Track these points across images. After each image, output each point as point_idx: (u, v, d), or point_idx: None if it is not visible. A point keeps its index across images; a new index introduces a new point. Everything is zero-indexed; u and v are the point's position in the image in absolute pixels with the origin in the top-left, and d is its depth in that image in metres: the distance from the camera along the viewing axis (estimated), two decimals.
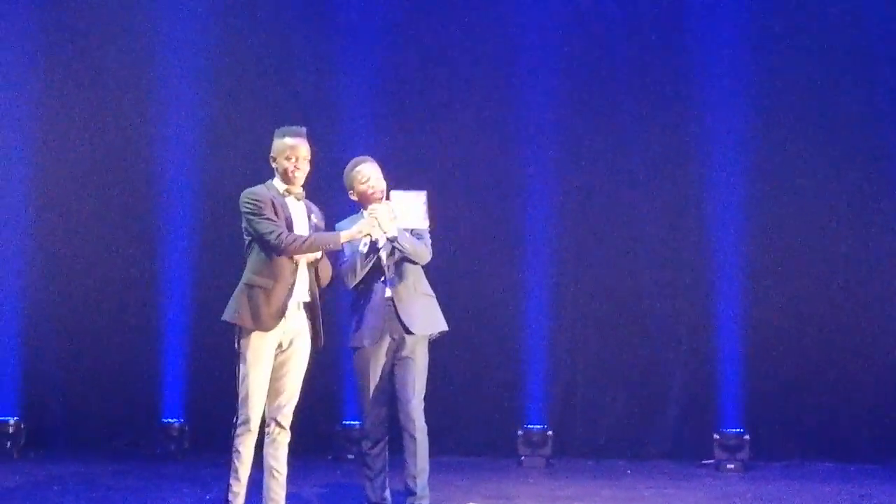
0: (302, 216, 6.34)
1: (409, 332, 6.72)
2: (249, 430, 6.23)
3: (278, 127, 6.42)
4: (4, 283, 9.93)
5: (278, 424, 6.34)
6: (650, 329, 9.65)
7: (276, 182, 6.36)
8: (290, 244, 6.15)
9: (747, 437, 9.06)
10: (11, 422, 9.74)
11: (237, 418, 6.23)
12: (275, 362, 6.31)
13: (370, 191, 6.71)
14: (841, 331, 9.36)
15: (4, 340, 9.94)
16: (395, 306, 6.73)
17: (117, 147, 9.87)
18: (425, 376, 6.77)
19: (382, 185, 6.73)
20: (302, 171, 6.30)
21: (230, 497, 6.24)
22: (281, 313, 6.20)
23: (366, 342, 6.76)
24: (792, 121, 9.45)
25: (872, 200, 9.37)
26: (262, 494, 6.41)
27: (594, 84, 9.71)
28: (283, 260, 6.19)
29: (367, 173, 6.75)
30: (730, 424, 9.24)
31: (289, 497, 7.16)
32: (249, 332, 6.18)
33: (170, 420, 9.65)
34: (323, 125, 9.55)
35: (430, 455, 7.09)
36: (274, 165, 6.38)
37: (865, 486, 8.27)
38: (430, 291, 6.88)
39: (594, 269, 9.62)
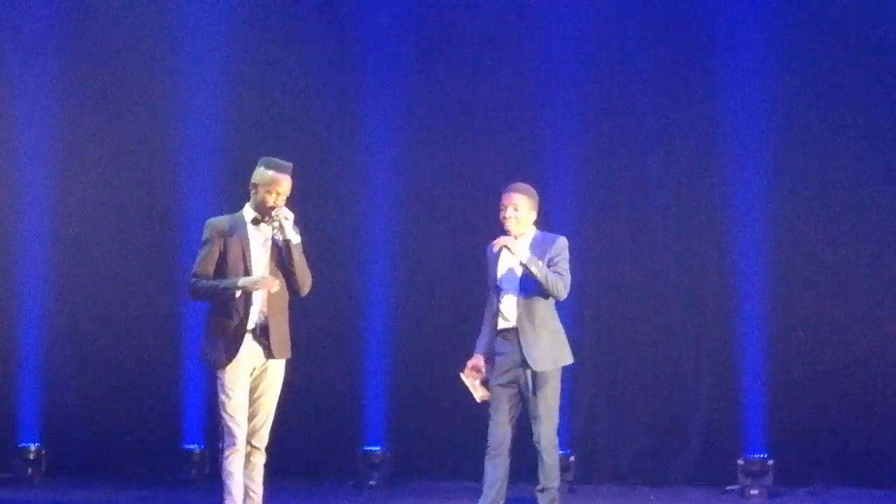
0: (260, 247, 6.53)
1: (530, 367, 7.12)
2: (237, 451, 6.51)
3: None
4: (25, 310, 10.06)
5: (254, 447, 6.59)
6: (672, 354, 9.68)
7: (247, 209, 6.57)
8: (192, 291, 6.57)
9: (772, 462, 9.08)
10: (32, 448, 9.87)
11: (223, 444, 6.53)
12: (249, 387, 6.60)
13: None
14: (867, 355, 9.34)
15: (26, 367, 10.07)
16: (519, 338, 7.13)
17: (138, 178, 9.98)
18: (553, 405, 7.12)
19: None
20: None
21: None
22: (236, 345, 6.47)
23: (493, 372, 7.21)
24: (820, 123, 9.44)
25: None
26: None
27: (615, 86, 9.74)
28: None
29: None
30: (754, 450, 9.25)
31: None
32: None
33: (191, 446, 9.76)
34: (345, 136, 9.82)
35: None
36: (252, 192, 6.55)
37: None
38: (558, 326, 7.18)
39: (614, 292, 9.65)
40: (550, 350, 7.13)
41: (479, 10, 9.81)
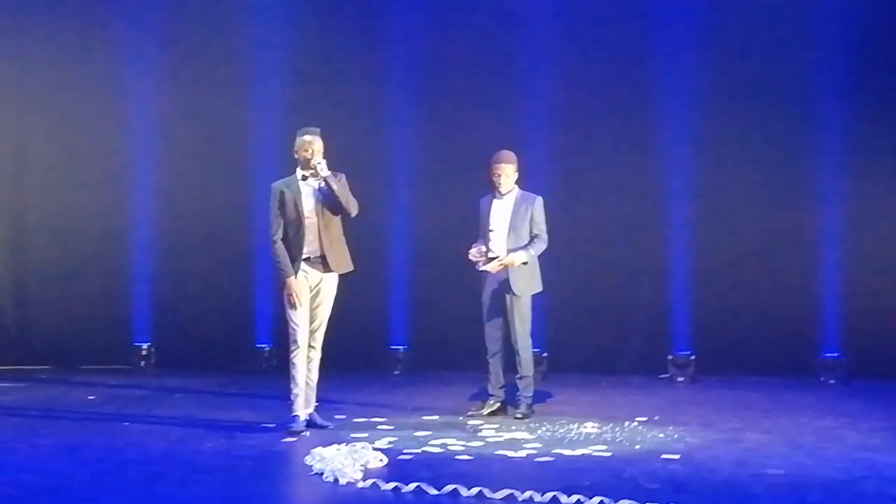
0: (310, 195, 7.84)
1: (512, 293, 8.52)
2: (299, 349, 7.87)
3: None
4: (137, 235, 11.16)
5: (311, 346, 7.93)
6: (616, 280, 10.79)
7: (298, 171, 7.89)
8: (272, 249, 7.90)
9: (693, 357, 10.41)
10: (144, 346, 11.31)
11: (291, 343, 7.89)
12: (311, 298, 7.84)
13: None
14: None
15: (140, 283, 11.25)
16: (506, 270, 8.47)
17: (220, 135, 11.19)
18: (525, 319, 8.52)
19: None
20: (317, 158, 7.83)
21: (292, 396, 7.92)
22: (296, 267, 7.77)
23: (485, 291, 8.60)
24: None
25: None
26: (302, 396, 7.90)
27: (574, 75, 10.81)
28: (291, 231, 7.83)
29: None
30: (680, 348, 10.52)
31: (348, 404, 8.78)
32: (287, 279, 7.82)
33: (261, 345, 11.00)
34: (371, 100, 11.09)
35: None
36: (296, 156, 7.90)
37: None
38: (535, 262, 8.50)
39: (580, 234, 10.69)
40: (527, 280, 8.49)
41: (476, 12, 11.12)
